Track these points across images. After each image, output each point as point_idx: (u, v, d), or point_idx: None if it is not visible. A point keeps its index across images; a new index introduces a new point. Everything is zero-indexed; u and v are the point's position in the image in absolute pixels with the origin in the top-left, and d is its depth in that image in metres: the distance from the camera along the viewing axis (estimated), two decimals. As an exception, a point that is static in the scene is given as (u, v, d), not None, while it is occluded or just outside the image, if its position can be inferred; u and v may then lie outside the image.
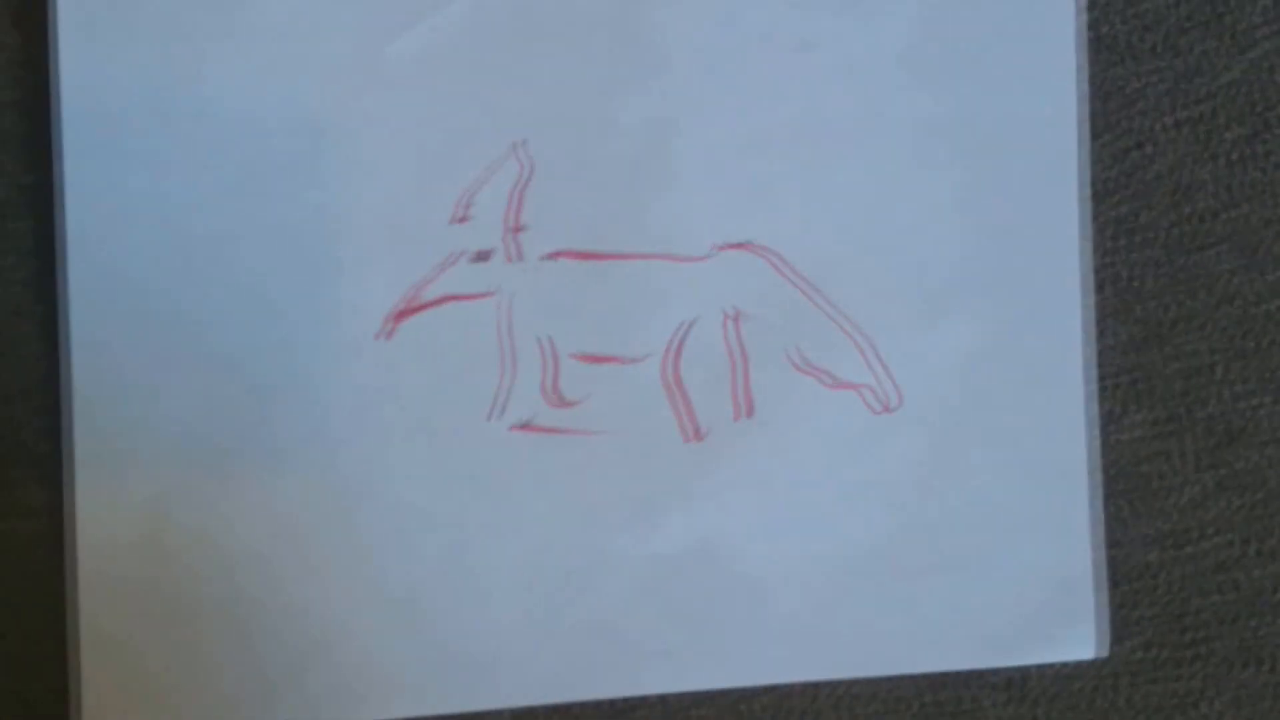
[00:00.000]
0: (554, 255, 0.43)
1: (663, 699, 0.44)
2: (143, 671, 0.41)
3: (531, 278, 0.43)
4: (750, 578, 0.44)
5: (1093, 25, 0.45)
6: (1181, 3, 0.46)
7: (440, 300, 0.43)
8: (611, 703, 0.44)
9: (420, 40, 0.42)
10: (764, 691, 0.44)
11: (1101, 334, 0.45)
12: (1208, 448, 0.46)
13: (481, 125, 0.43)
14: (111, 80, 0.41)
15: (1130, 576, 0.46)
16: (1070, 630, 0.45)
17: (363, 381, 0.42)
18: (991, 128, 0.45)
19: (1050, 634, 0.45)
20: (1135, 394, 0.46)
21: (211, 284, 0.42)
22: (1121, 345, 0.46)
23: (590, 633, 0.43)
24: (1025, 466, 0.45)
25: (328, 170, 0.42)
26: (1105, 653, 0.45)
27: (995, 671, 0.45)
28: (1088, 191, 0.45)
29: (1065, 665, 0.45)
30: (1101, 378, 0.45)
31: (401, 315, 0.42)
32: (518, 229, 0.43)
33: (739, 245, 0.44)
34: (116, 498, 0.41)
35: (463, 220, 0.43)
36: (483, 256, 0.43)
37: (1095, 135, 0.45)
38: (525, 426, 0.43)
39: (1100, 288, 0.45)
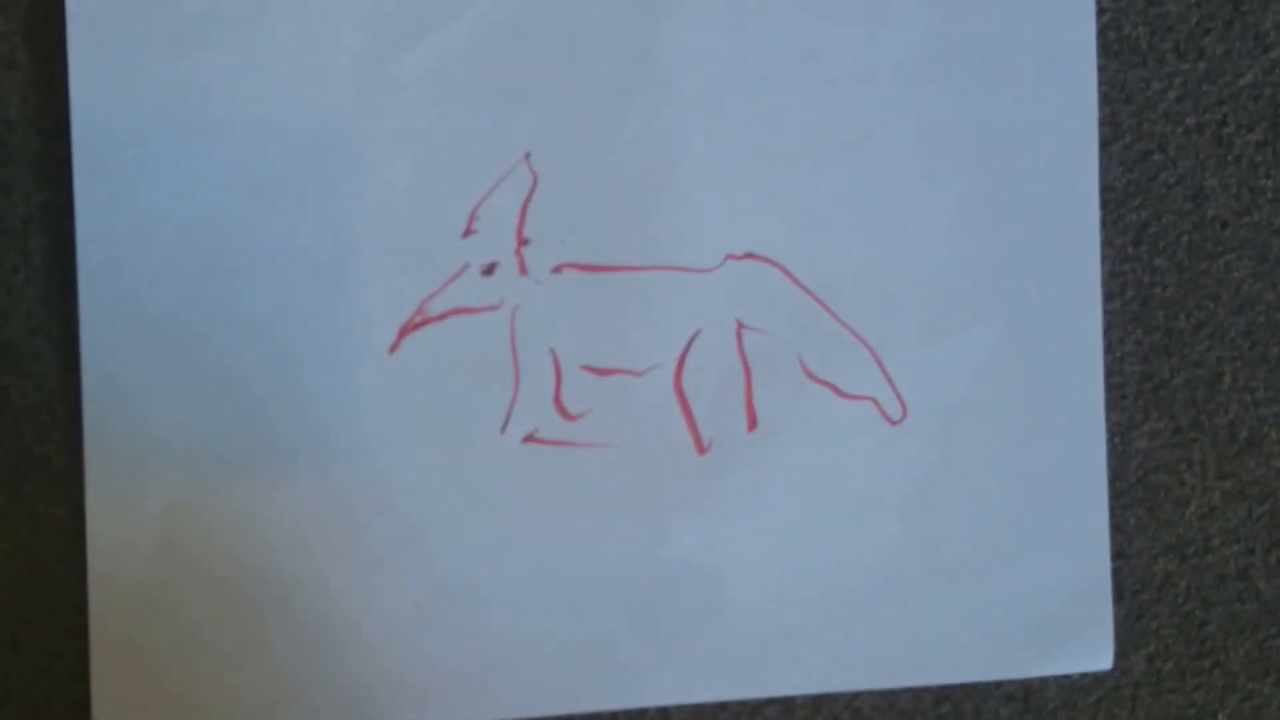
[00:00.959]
0: (561, 268, 0.43)
1: (666, 711, 0.44)
2: (154, 680, 0.42)
3: (539, 290, 0.43)
4: (758, 589, 0.44)
5: (1109, 29, 0.45)
6: (1198, 6, 0.45)
7: (447, 314, 0.43)
8: (614, 715, 0.44)
9: (428, 55, 0.42)
10: (770, 704, 0.44)
11: (1115, 342, 0.45)
12: (1221, 457, 0.46)
13: (489, 138, 0.43)
14: (122, 98, 0.41)
15: (1141, 587, 0.45)
16: (1086, 642, 0.45)
17: (372, 395, 0.42)
18: (1006, 135, 0.44)
19: (1065, 645, 0.45)
20: (1148, 403, 0.45)
21: (223, 299, 0.42)
22: (1135, 353, 0.45)
23: (595, 644, 0.43)
24: (1041, 477, 0.44)
25: (338, 185, 0.42)
26: (1111, 664, 0.45)
27: (1006, 682, 0.45)
28: (1100, 197, 0.45)
29: (1075, 676, 0.45)
30: (1115, 386, 0.45)
31: (408, 329, 0.43)
32: (525, 242, 0.43)
33: (748, 256, 0.44)
34: (128, 510, 0.42)
35: (471, 234, 0.43)
36: (490, 269, 0.43)
37: (1111, 140, 0.45)
38: (533, 439, 0.43)
39: (1115, 295, 0.45)
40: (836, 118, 0.44)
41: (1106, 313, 0.45)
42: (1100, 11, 0.44)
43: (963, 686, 0.45)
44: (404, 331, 0.43)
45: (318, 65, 0.42)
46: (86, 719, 0.42)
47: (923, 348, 0.44)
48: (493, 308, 0.43)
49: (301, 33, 0.42)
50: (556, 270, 0.43)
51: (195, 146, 0.42)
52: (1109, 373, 0.45)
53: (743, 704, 0.44)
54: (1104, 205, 0.45)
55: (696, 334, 0.43)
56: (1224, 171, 0.45)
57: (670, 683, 0.44)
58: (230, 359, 0.42)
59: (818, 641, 0.44)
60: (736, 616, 0.44)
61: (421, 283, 0.43)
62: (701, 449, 0.44)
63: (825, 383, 0.44)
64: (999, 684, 0.45)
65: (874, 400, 0.44)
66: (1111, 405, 0.45)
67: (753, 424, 0.44)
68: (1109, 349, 0.45)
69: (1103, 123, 0.44)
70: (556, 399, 0.43)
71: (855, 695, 0.45)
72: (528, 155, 0.43)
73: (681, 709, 0.44)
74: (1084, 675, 0.45)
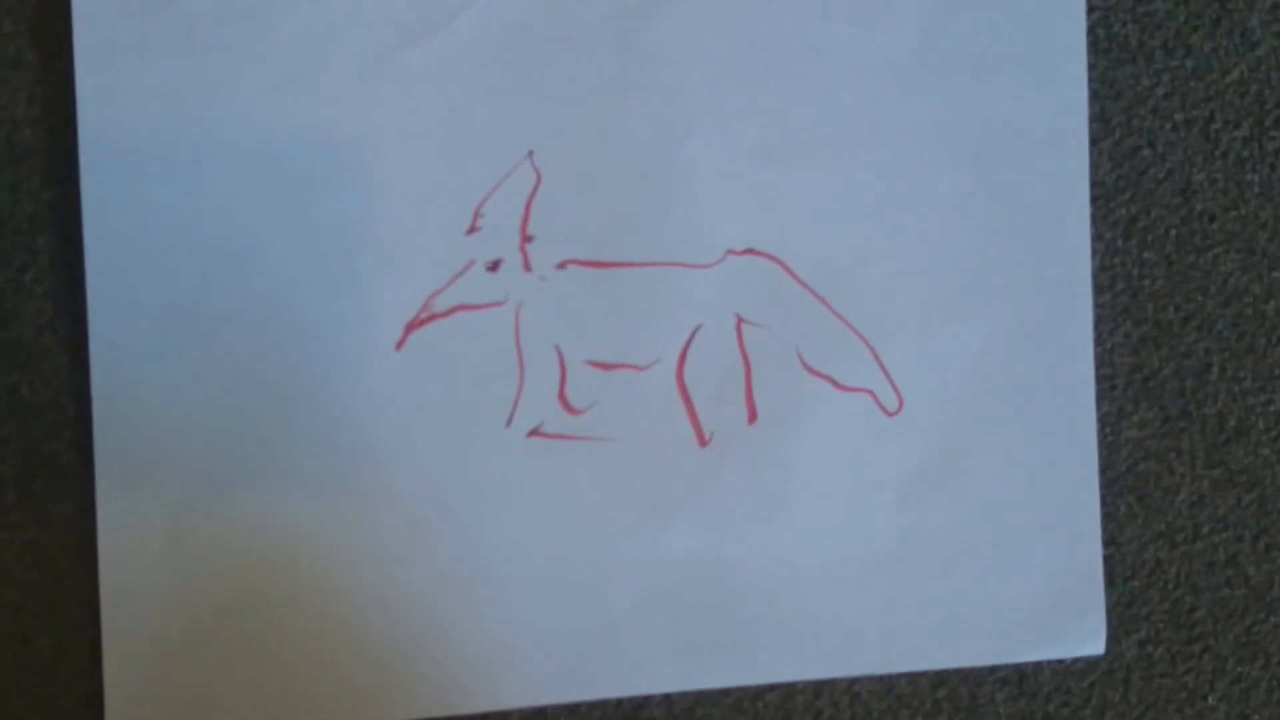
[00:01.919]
0: (565, 264, 0.43)
1: (670, 698, 0.45)
2: (166, 675, 0.42)
3: (543, 286, 0.43)
4: (758, 579, 0.44)
5: (1098, 27, 0.45)
6: (1185, 4, 0.46)
7: (453, 310, 0.43)
8: (619, 702, 0.45)
9: (430, 54, 0.43)
10: (772, 690, 0.45)
11: (1105, 334, 0.46)
12: (1209, 446, 0.46)
13: (492, 136, 0.43)
14: (129, 97, 0.42)
15: (1132, 573, 0.46)
16: (1079, 627, 0.45)
17: (379, 391, 0.43)
18: (999, 131, 0.44)
19: (1059, 631, 0.45)
20: (1137, 393, 0.46)
21: (230, 296, 0.42)
22: (1124, 345, 0.46)
23: (600, 634, 0.44)
24: (1035, 466, 0.45)
25: (344, 183, 0.42)
26: (1104, 649, 0.46)
27: (1001, 667, 0.46)
28: (1091, 192, 0.45)
29: (1069, 661, 0.46)
30: (1104, 377, 0.46)
31: (414, 326, 0.43)
32: (529, 239, 0.43)
33: (747, 251, 0.44)
34: (137, 506, 0.42)
35: (475, 231, 0.43)
36: (495, 266, 0.43)
37: (1101, 136, 0.45)
38: (538, 433, 0.43)
39: (1105, 288, 0.46)
40: (833, 115, 0.44)
41: (1097, 305, 0.45)
42: (1090, 10, 0.45)
43: (959, 671, 0.45)
44: (410, 328, 0.43)
45: (322, 64, 0.42)
46: (99, 715, 0.42)
47: (918, 340, 0.45)
48: (498, 304, 0.43)
49: (305, 32, 0.42)
50: (560, 266, 0.43)
51: (201, 145, 0.42)
52: (1099, 364, 0.45)
53: (744, 690, 0.45)
54: (1094, 200, 0.45)
55: (698, 328, 0.44)
56: (1211, 166, 0.46)
57: (674, 670, 0.44)
58: (238, 356, 0.42)
59: (818, 628, 0.44)
60: (738, 605, 0.44)
61: (427, 279, 0.43)
62: (703, 441, 0.44)
63: (823, 375, 0.44)
64: (994, 669, 0.46)
65: (871, 392, 0.45)
66: (1102, 396, 0.46)
67: (753, 416, 0.44)
68: (1099, 341, 0.45)
69: (1093, 119, 0.45)
70: (561, 393, 0.44)
71: (854, 681, 0.45)
72: (531, 153, 0.43)
73: (685, 696, 0.45)
74: (1077, 660, 0.46)
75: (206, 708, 0.42)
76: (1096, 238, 0.45)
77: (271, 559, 0.42)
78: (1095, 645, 0.46)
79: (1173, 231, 0.46)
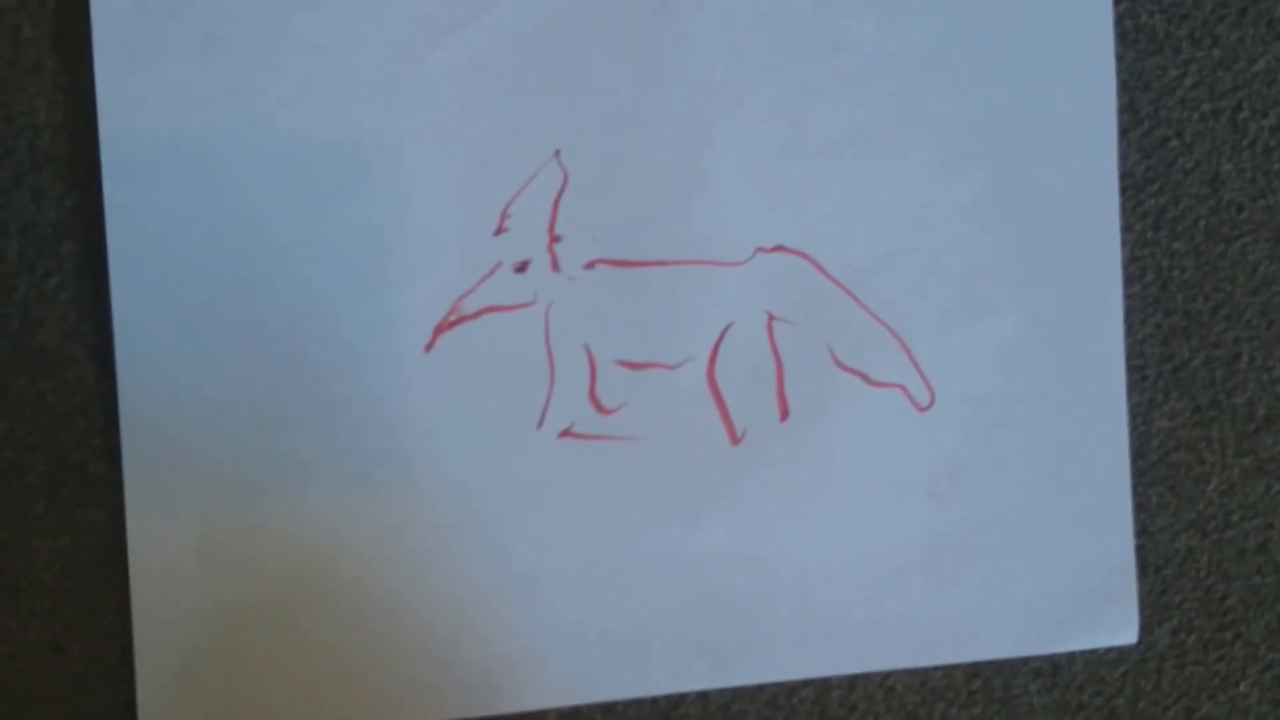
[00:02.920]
0: (593, 264, 0.43)
1: (704, 696, 0.44)
2: (199, 680, 0.42)
3: (572, 287, 0.43)
4: (791, 575, 0.44)
5: (1125, 17, 0.45)
6: (1214, -7, 0.45)
7: (481, 312, 0.42)
8: (654, 701, 0.44)
9: (454, 54, 0.42)
10: (806, 685, 0.45)
11: (1135, 325, 0.45)
12: (1240, 435, 0.46)
13: (519, 136, 0.42)
14: (150, 101, 0.41)
15: (1164, 563, 0.46)
16: (1112, 616, 0.45)
17: (409, 394, 0.42)
18: (1027, 124, 0.44)
19: (1092, 621, 0.45)
20: (1168, 383, 0.46)
21: (256, 300, 0.41)
22: (1155, 336, 0.46)
23: (634, 633, 0.43)
24: (1066, 457, 0.45)
25: (369, 186, 0.42)
26: (1136, 639, 0.45)
27: (1034, 658, 0.45)
28: (1120, 183, 0.45)
29: (1102, 651, 0.46)
30: (1135, 368, 0.45)
31: (443, 328, 0.42)
32: (557, 239, 0.43)
33: (777, 248, 0.44)
34: (167, 512, 0.41)
35: (503, 232, 0.43)
36: (523, 267, 0.43)
37: (1130, 127, 0.45)
38: (569, 434, 0.43)
39: (1135, 279, 0.45)
40: (860, 110, 0.44)
41: (1127, 296, 0.45)
42: (1117, 0, 0.44)
43: (992, 663, 0.45)
44: (439, 330, 0.42)
45: (345, 66, 0.42)
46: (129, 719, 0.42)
47: (949, 335, 0.44)
48: (526, 305, 0.43)
49: (328, 34, 0.41)
50: (589, 266, 0.43)
51: (224, 149, 0.41)
52: (1130, 355, 0.45)
53: (779, 686, 0.45)
54: (1123, 191, 0.45)
55: (728, 326, 0.44)
56: (1239, 156, 0.45)
57: (707, 668, 0.44)
58: (265, 361, 0.42)
59: (851, 623, 0.44)
60: (771, 602, 0.44)
61: (455, 281, 0.42)
62: (735, 440, 0.44)
63: (855, 371, 0.44)
64: (1027, 660, 0.45)
65: (902, 387, 0.44)
66: (1133, 386, 0.45)
67: (785, 414, 0.44)
68: (1130, 332, 0.45)
69: (1121, 110, 0.45)
70: (591, 394, 0.43)
71: (888, 675, 0.45)
72: (558, 152, 0.43)
73: (719, 693, 0.44)
74: (1110, 650, 0.46)
75: (239, 714, 0.42)
76: (1126, 229, 0.45)
77: (303, 564, 0.42)
78: (1128, 635, 0.45)
79: (1202, 222, 0.45)
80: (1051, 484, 0.45)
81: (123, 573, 0.41)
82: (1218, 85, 0.45)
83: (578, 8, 0.42)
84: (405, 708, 0.43)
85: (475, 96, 0.42)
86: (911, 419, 0.44)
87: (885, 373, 0.44)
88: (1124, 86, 0.45)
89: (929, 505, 0.44)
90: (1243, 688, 0.46)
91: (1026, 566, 0.45)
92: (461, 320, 0.42)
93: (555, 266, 0.43)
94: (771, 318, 0.44)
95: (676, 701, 0.44)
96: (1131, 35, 0.45)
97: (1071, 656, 0.46)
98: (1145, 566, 0.46)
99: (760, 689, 0.45)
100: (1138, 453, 0.45)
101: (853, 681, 0.45)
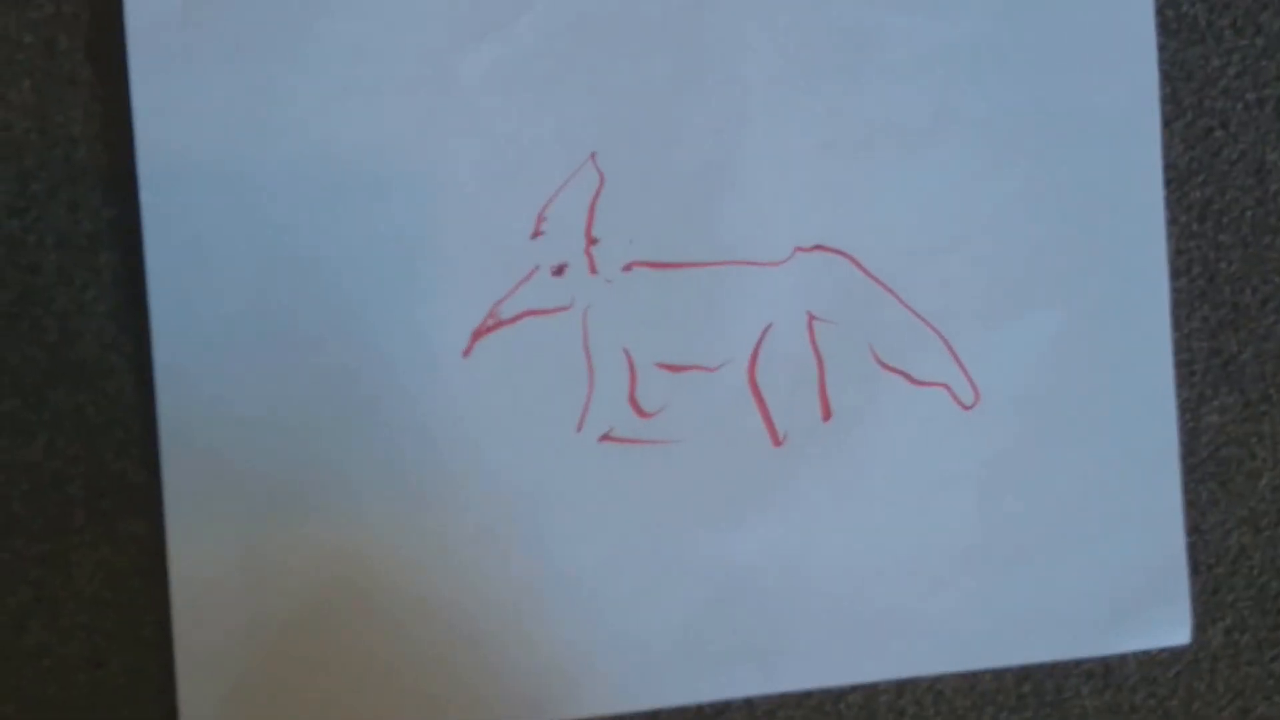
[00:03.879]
0: (631, 266, 0.42)
1: (751, 702, 0.43)
2: (240, 692, 0.41)
3: (609, 289, 0.42)
4: (837, 578, 0.43)
5: (1167, 7, 0.44)
6: (1257, -19, 0.44)
7: (519, 316, 0.42)
8: (700, 708, 0.43)
9: (489, 58, 0.41)
10: (854, 690, 0.44)
11: (1183, 319, 0.44)
12: (1293, 430, 0.45)
13: (554, 139, 0.42)
14: (185, 110, 0.40)
15: (1216, 560, 0.45)
16: (1164, 617, 0.44)
17: (448, 399, 0.41)
18: (1068, 117, 0.43)
19: (1144, 621, 0.44)
20: (1217, 378, 0.45)
21: (294, 310, 0.41)
22: (1203, 329, 0.45)
23: (678, 638, 0.42)
24: (1114, 455, 0.44)
25: (405, 192, 0.41)
26: (1189, 639, 0.44)
27: (1085, 660, 0.44)
28: (1164, 175, 0.44)
29: (1154, 651, 0.45)
30: (1184, 363, 0.44)
31: (481, 333, 0.42)
32: (594, 241, 0.42)
33: (816, 247, 0.43)
34: (207, 523, 0.41)
35: (539, 235, 0.42)
36: (560, 270, 0.42)
37: (1174, 118, 0.44)
38: (609, 437, 0.42)
39: (1181, 272, 0.44)
40: (898, 105, 0.43)
41: (1173, 290, 0.44)
42: (1159, -11, 0.44)
43: (1043, 666, 0.44)
44: (477, 335, 0.42)
45: (379, 71, 0.41)
46: (173, 732, 0.41)
47: (993, 332, 0.43)
48: (564, 308, 0.42)
49: (362, 39, 0.41)
50: (626, 269, 0.42)
51: (260, 156, 0.41)
52: (1178, 349, 0.44)
53: (826, 692, 0.44)
54: (1167, 183, 0.44)
55: (768, 327, 0.43)
56: (1286, 145, 0.45)
57: (753, 674, 0.43)
58: (304, 369, 0.41)
59: (898, 627, 0.43)
60: (817, 606, 0.43)
61: (492, 286, 0.42)
62: (777, 441, 0.43)
63: (897, 370, 0.43)
64: (1078, 662, 0.44)
65: (946, 386, 0.43)
66: (1181, 382, 0.44)
67: (827, 414, 0.43)
68: (1177, 325, 0.44)
69: (1164, 101, 0.44)
70: (631, 397, 0.42)
71: (937, 679, 0.44)
72: (593, 155, 0.42)
73: (766, 699, 0.43)
74: (1163, 650, 0.45)
75: (283, 723, 0.41)
76: (1171, 221, 0.44)
77: (344, 573, 0.41)
78: (1181, 635, 0.44)
79: (1248, 213, 0.44)
80: (1100, 482, 0.44)
81: (163, 584, 0.41)
82: (1261, 74, 0.44)
83: (611, 9, 0.42)
84: (449, 716, 0.42)
85: (510, 99, 0.42)
86: (956, 418, 0.43)
87: (929, 371, 0.43)
88: (1166, 77, 0.44)
89: (976, 505, 0.43)
90: (1300, 687, 0.45)
91: (1076, 567, 0.44)
92: (499, 325, 0.42)
93: (593, 269, 0.42)
94: (812, 317, 0.43)
95: (722, 708, 0.43)
96: (1173, 25, 0.44)
97: (1123, 658, 0.45)
98: (1197, 565, 0.45)
99: (807, 695, 0.44)
100: (1187, 449, 0.44)
101: (900, 686, 0.44)
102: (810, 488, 0.43)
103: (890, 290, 0.43)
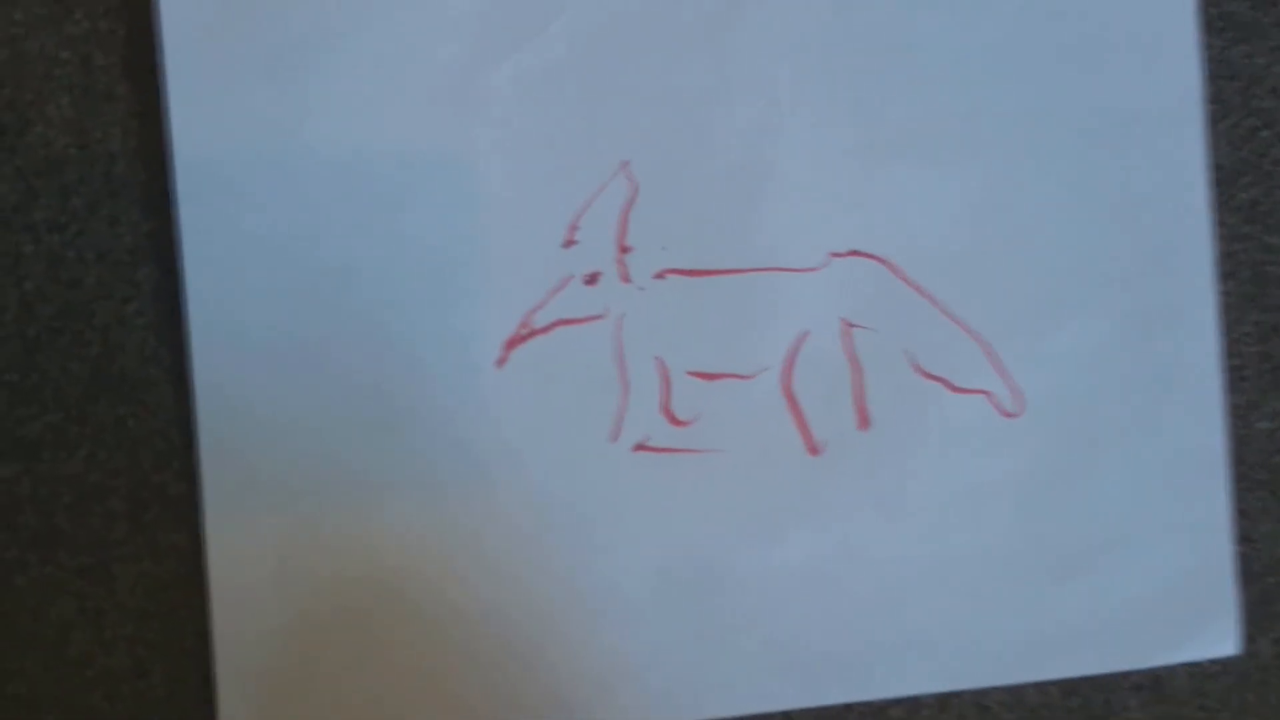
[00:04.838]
0: (664, 274, 0.41)
1: (789, 716, 0.42)
2: (280, 703, 0.41)
3: (642, 298, 0.41)
4: (877, 589, 0.42)
5: (1209, 4, 0.42)
6: (1304, -25, 0.43)
7: (552, 325, 0.41)
8: (737, 720, 0.43)
9: (520, 67, 0.41)
10: (896, 704, 0.43)
11: (1232, 323, 0.43)
12: (1347, 436, 0.43)
13: (586, 147, 0.41)
14: (222, 124, 0.40)
15: (1268, 570, 0.43)
16: (1212, 628, 0.43)
17: (481, 410, 0.41)
18: (1109, 118, 0.42)
19: (1192, 632, 0.43)
20: (1268, 384, 0.43)
21: (329, 320, 0.41)
22: (1253, 334, 0.43)
23: (715, 650, 0.42)
24: (1161, 463, 0.42)
25: (438, 202, 0.41)
26: (1238, 649, 0.43)
27: (1133, 673, 0.43)
28: (1210, 176, 0.42)
29: (1205, 663, 0.43)
30: (1234, 368, 0.43)
31: (514, 343, 0.41)
32: (627, 250, 0.42)
33: (852, 253, 0.42)
34: (246, 534, 0.40)
35: (572, 244, 0.41)
36: (593, 279, 0.41)
37: (1219, 117, 0.43)
38: (644, 447, 0.41)
39: (1229, 275, 0.43)
40: (935, 108, 0.42)
41: (1221, 293, 0.42)
42: (1203, -14, 0.42)
43: (1090, 679, 0.43)
44: (510, 345, 0.41)
45: (413, 82, 0.41)
46: (214, 744, 0.41)
47: (1035, 338, 0.42)
48: (597, 317, 0.42)
49: (396, 50, 0.41)
50: (659, 276, 0.42)
51: (296, 169, 0.41)
52: (1227, 355, 0.43)
53: (867, 705, 0.42)
54: (1214, 184, 0.42)
55: (804, 334, 0.42)
56: (1337, 143, 0.43)
57: (792, 687, 0.42)
58: (340, 380, 0.41)
59: (940, 639, 0.42)
60: (857, 617, 0.42)
61: (525, 295, 0.41)
62: (814, 450, 0.42)
63: (937, 378, 0.42)
64: (1126, 674, 0.43)
65: (988, 393, 0.42)
66: (1231, 388, 0.43)
67: (865, 423, 0.42)
68: (1226, 330, 0.43)
69: (1208, 101, 0.42)
70: (665, 406, 0.42)
71: (982, 692, 0.43)
72: (625, 162, 0.41)
73: (804, 713, 0.42)
74: (1213, 662, 0.43)
75: (322, 735, 0.41)
76: (1218, 223, 0.43)
77: (382, 582, 0.41)
78: (1229, 646, 0.43)
79: (1299, 213, 0.43)
80: (1147, 491, 0.42)
81: (203, 595, 0.41)
82: (1311, 71, 0.43)
83: (642, 15, 0.41)
84: (484, 728, 0.41)
85: (542, 108, 0.41)
86: (999, 426, 0.42)
87: (969, 379, 0.42)
88: (1210, 76, 0.42)
89: (1019, 515, 0.42)
90: (1358, 701, 0.43)
91: (1123, 577, 0.42)
92: (532, 335, 0.41)
93: (625, 277, 0.41)
94: (848, 324, 0.42)
95: (760, 720, 0.43)
96: (1217, 23, 0.42)
97: (1172, 670, 0.43)
98: (1248, 574, 0.43)
99: (847, 708, 0.42)
100: (1237, 456, 0.43)
101: (944, 700, 0.43)
102: (848, 498, 0.42)
103: (929, 296, 0.42)
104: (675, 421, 0.41)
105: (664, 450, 0.41)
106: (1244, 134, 0.43)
